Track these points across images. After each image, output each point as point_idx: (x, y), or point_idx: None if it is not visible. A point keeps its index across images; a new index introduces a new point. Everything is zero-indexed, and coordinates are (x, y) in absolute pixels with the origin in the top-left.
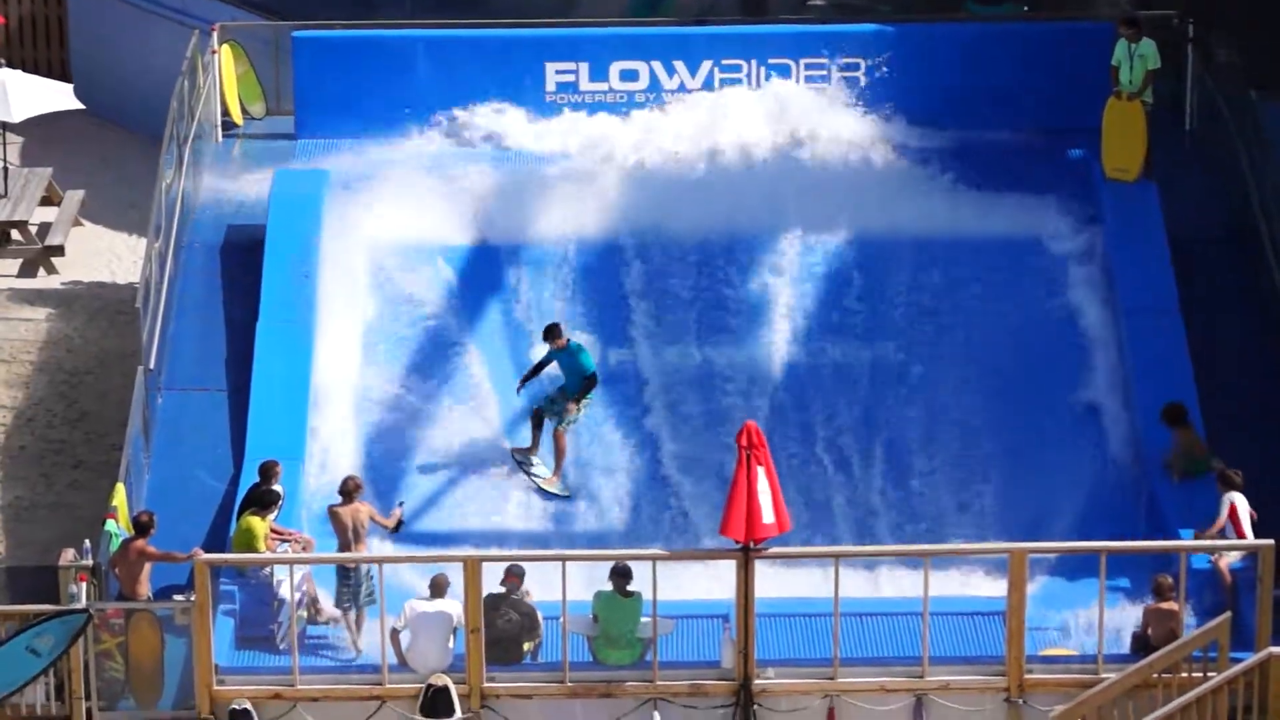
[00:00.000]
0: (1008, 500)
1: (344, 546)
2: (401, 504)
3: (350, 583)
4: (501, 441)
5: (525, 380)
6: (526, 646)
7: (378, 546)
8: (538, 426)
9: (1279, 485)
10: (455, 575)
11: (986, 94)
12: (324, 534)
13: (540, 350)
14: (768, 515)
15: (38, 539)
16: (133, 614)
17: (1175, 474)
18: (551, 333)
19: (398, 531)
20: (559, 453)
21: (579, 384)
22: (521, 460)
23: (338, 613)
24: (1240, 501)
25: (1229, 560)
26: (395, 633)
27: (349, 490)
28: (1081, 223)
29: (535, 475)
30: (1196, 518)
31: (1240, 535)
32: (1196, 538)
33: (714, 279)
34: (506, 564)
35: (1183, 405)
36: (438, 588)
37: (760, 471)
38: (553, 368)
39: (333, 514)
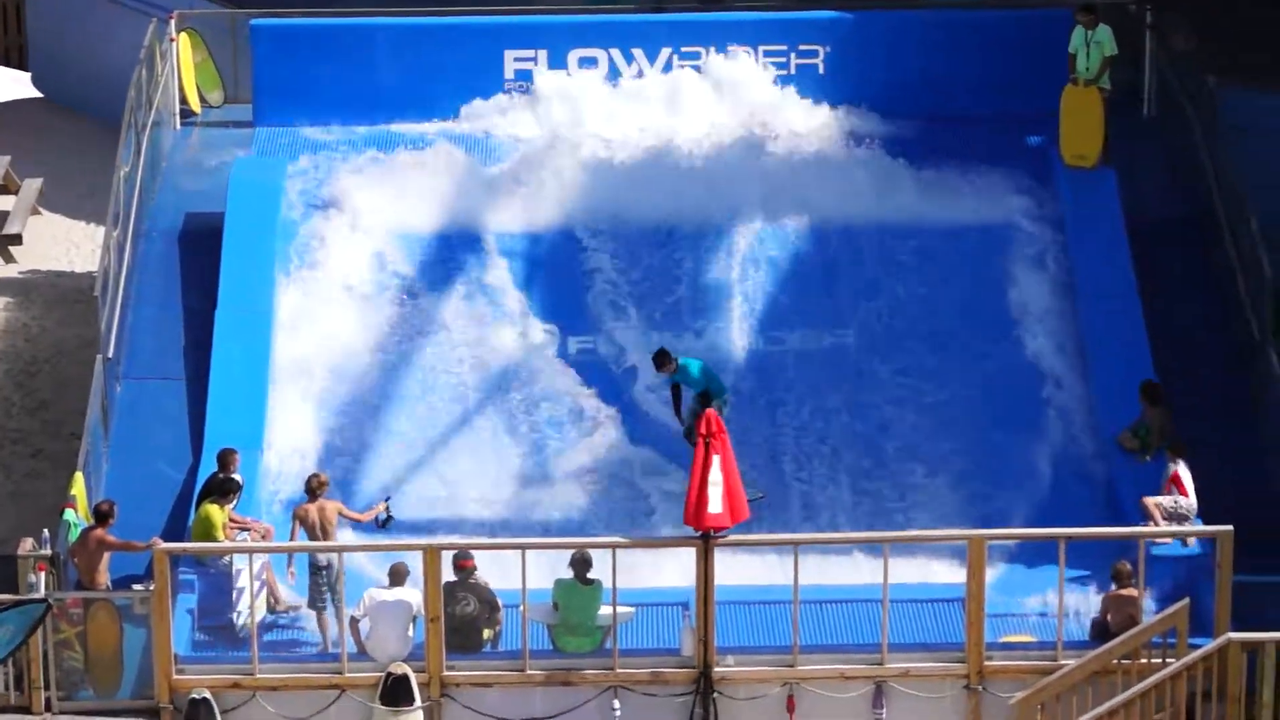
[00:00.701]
0: (967, 487)
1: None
2: (388, 499)
3: (323, 580)
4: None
5: (680, 416)
6: (486, 634)
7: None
8: None
9: (1236, 467)
10: (416, 564)
11: (945, 81)
12: (282, 523)
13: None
14: (715, 505)
15: None
16: (92, 603)
17: (1148, 451)
18: (660, 361)
19: (385, 527)
20: None
21: (707, 395)
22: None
23: (298, 601)
24: (1183, 470)
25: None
26: (355, 621)
27: (313, 488)
28: (1040, 209)
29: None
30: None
31: (1184, 494)
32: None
33: (674, 265)
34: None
35: (1159, 384)
36: (397, 576)
37: (716, 461)
38: None
39: (298, 513)
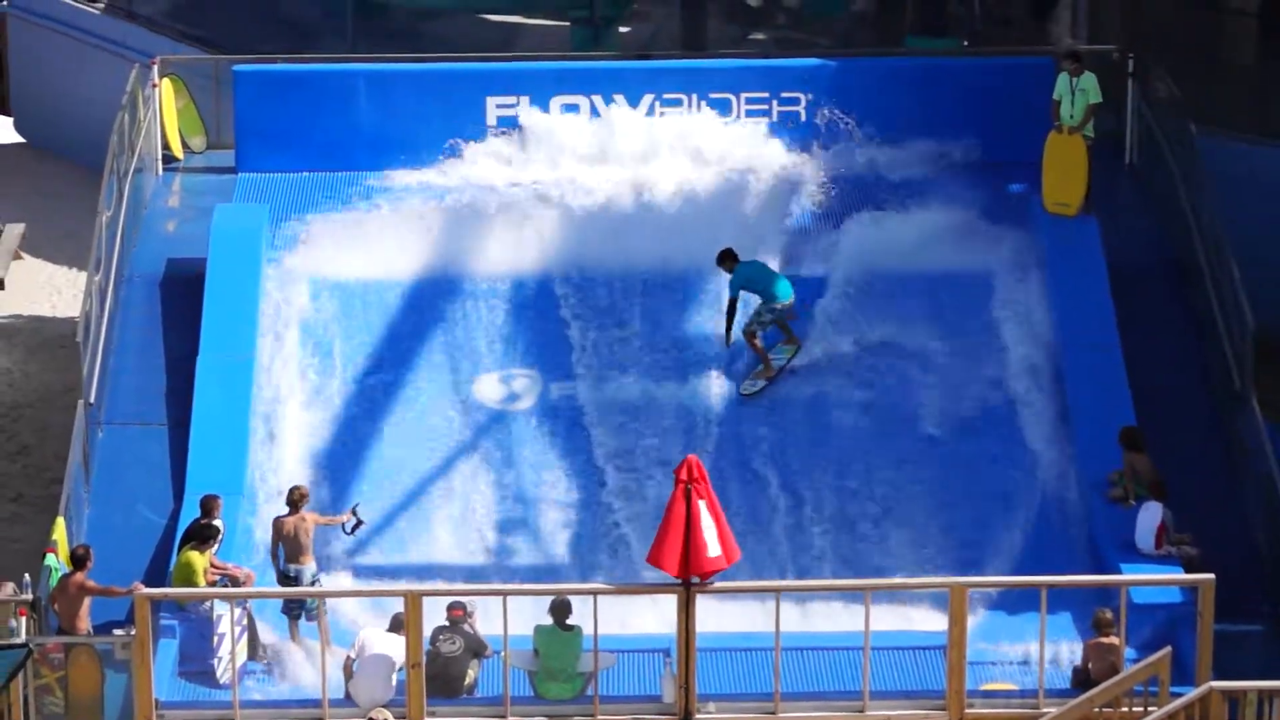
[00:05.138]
0: (949, 533)
1: (288, 555)
2: (356, 505)
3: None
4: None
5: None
6: (468, 680)
7: (326, 580)
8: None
9: (1217, 516)
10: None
11: (927, 128)
12: (264, 569)
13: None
14: (714, 549)
15: None
16: (73, 648)
17: (1129, 497)
18: (723, 258)
19: (354, 533)
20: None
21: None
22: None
23: (279, 646)
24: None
25: None
26: (349, 661)
27: (294, 500)
28: (1022, 257)
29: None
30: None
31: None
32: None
33: (655, 312)
34: (449, 599)
35: (1139, 430)
36: (399, 625)
37: (702, 505)
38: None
39: (276, 524)
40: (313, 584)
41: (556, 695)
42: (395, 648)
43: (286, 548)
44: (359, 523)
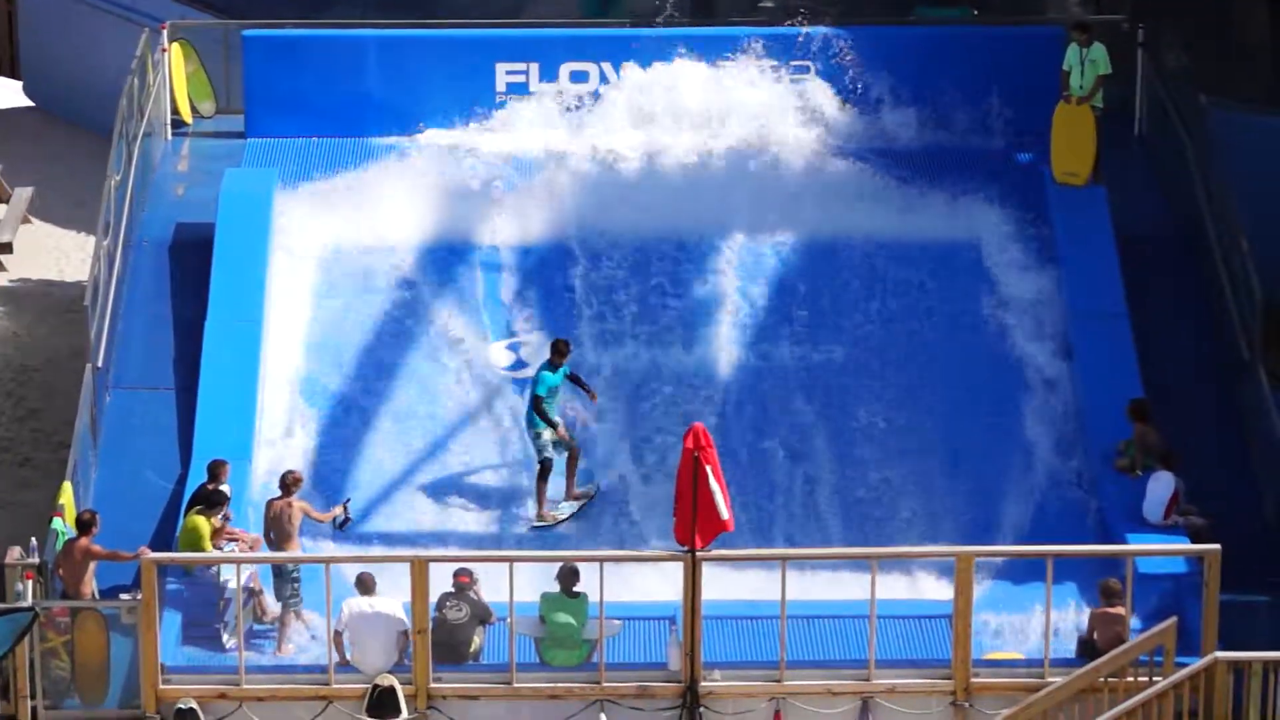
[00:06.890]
0: (954, 503)
1: (275, 542)
2: (348, 500)
3: (288, 579)
4: (450, 447)
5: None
6: (474, 646)
7: (320, 545)
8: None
9: (1225, 486)
10: (402, 576)
11: (936, 97)
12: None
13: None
14: (724, 512)
15: None
16: (79, 612)
17: (1135, 468)
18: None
19: (343, 529)
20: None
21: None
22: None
23: (283, 615)
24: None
25: None
26: (338, 635)
27: (287, 484)
28: (1030, 227)
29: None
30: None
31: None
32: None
33: (662, 279)
34: (454, 565)
35: (1147, 401)
36: (364, 585)
37: (709, 471)
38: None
39: (268, 506)
40: (292, 575)
41: (563, 662)
42: (384, 614)
43: (273, 531)
44: (348, 519)
